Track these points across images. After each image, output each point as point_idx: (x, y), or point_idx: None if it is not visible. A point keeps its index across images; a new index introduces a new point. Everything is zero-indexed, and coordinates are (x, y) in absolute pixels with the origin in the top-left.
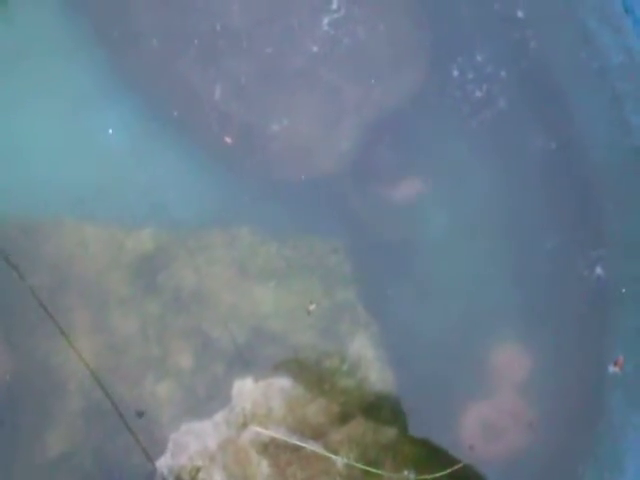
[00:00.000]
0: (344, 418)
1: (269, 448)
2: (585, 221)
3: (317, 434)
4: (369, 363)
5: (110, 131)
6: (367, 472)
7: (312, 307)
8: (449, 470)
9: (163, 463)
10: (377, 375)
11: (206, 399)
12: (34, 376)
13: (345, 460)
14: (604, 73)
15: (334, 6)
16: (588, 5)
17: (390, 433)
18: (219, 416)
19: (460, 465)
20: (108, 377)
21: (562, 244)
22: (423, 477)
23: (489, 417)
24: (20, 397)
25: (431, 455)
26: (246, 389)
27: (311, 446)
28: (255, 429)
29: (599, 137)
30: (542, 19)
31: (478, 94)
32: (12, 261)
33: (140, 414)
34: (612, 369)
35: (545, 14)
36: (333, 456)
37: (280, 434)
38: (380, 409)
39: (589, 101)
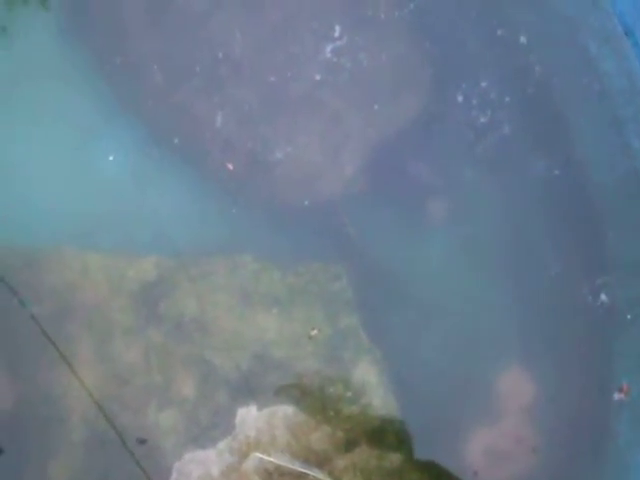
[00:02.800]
0: (348, 445)
1: (273, 476)
2: (589, 247)
3: (321, 461)
4: (373, 389)
5: (111, 158)
6: None
7: (314, 333)
8: None
9: None
10: (381, 401)
11: (209, 427)
12: (37, 404)
13: None
14: (605, 97)
15: (336, 34)
16: (589, 29)
17: (394, 459)
18: (223, 444)
19: None
20: (111, 406)
21: (566, 270)
22: None
23: (493, 442)
24: (23, 425)
25: None
26: (250, 417)
27: (315, 473)
28: (259, 456)
29: (601, 160)
30: (545, 44)
31: (482, 120)
32: (15, 289)
33: (142, 442)
34: (617, 396)
35: (548, 39)
36: None
37: (284, 461)
38: (384, 435)
39: (591, 125)
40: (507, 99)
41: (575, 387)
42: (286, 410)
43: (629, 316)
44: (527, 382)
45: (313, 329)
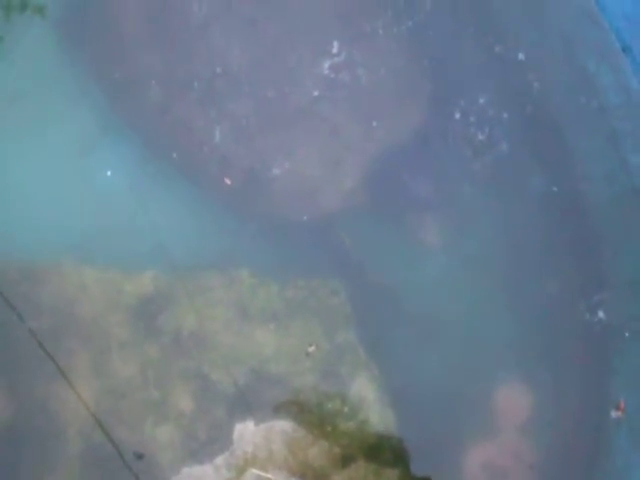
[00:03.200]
0: (346, 460)
1: None
2: (586, 264)
3: (319, 477)
4: (370, 405)
5: (109, 173)
6: None
7: (311, 349)
8: None
9: None
10: (378, 417)
11: (207, 442)
12: (34, 418)
13: None
14: (603, 113)
15: (335, 50)
16: (587, 46)
17: (391, 475)
18: (220, 459)
19: None
20: (108, 420)
21: (564, 287)
22: None
23: (491, 458)
24: (20, 439)
25: None
26: (247, 432)
27: None
28: (256, 472)
29: (599, 177)
30: (543, 61)
31: (480, 137)
32: (13, 303)
33: (139, 456)
34: (615, 414)
35: (546, 56)
36: None
37: (281, 477)
38: (381, 451)
39: (589, 141)
40: (505, 116)
41: (573, 404)
42: (283, 425)
43: (627, 333)
44: (525, 398)
45: (311, 345)
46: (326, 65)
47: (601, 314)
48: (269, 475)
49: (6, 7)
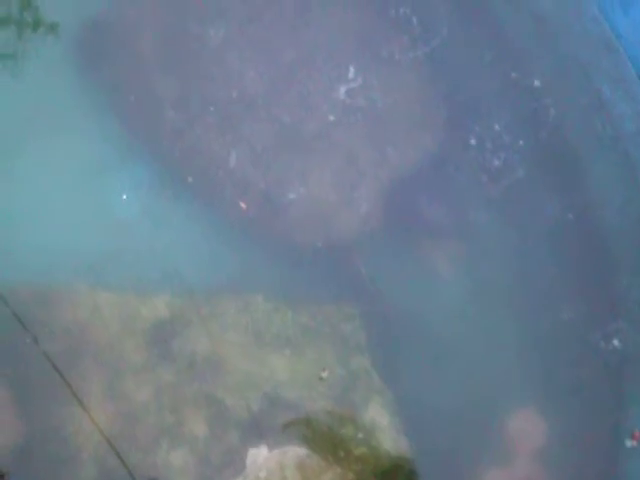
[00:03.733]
0: None
1: None
2: (602, 292)
3: None
4: (384, 430)
5: (124, 197)
6: None
7: (325, 374)
8: None
9: None
10: (392, 443)
11: (220, 467)
12: (48, 442)
13: None
14: (618, 140)
15: (351, 75)
16: (603, 73)
17: None
18: None
19: None
20: (122, 445)
21: (579, 315)
22: None
23: None
24: (33, 464)
25: None
26: (260, 457)
27: None
28: None
29: (614, 204)
30: (558, 88)
31: (496, 163)
32: (27, 327)
33: None
34: (630, 443)
35: (561, 83)
36: None
37: None
38: (395, 477)
39: (604, 168)
40: (521, 142)
41: (587, 432)
42: (297, 451)
43: None
44: (538, 426)
45: (324, 370)
46: (342, 90)
47: (616, 342)
48: None
49: (19, 24)
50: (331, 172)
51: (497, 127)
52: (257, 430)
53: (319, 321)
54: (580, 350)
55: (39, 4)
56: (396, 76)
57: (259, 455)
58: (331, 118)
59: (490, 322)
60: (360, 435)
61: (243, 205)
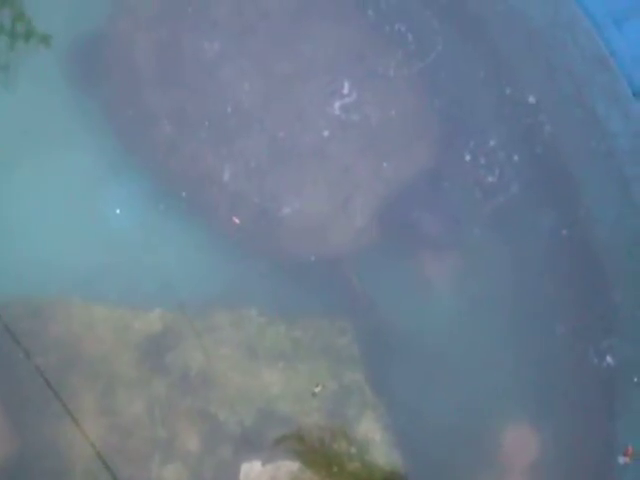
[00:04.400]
0: None
1: None
2: (595, 308)
3: None
4: (377, 446)
5: (118, 211)
6: None
7: (317, 389)
8: None
9: None
10: (385, 458)
11: None
12: (40, 457)
13: None
14: (612, 157)
15: (345, 90)
16: (597, 90)
17: None
18: None
19: None
20: (115, 459)
21: (572, 331)
22: None
23: None
24: (26, 478)
25: None
26: (254, 472)
27: None
28: None
29: (608, 220)
30: (553, 104)
31: (491, 179)
32: (19, 340)
33: None
34: (622, 460)
35: (555, 99)
36: None
37: None
38: None
39: (598, 184)
40: (516, 158)
41: (579, 448)
42: (290, 466)
43: (635, 379)
44: (531, 441)
45: (317, 385)
46: (337, 105)
47: (609, 359)
48: None
49: (10, 34)
50: (325, 186)
51: (492, 143)
52: (250, 445)
53: (312, 335)
54: (573, 366)
55: (32, 16)
56: (391, 91)
57: (252, 470)
58: (325, 133)
59: (484, 337)
60: (353, 450)
61: (236, 220)
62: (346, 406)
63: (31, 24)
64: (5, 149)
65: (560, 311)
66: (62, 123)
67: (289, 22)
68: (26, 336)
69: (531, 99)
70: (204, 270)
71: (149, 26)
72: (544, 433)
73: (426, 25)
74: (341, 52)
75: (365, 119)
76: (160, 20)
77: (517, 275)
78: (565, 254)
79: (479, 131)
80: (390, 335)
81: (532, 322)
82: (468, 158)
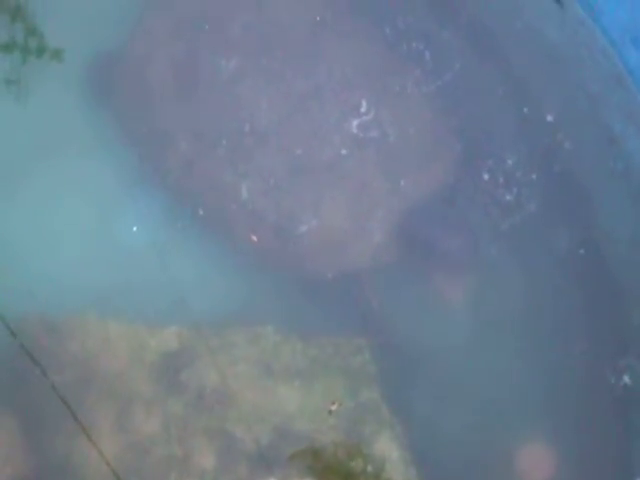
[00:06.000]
0: None
1: None
2: (613, 327)
3: None
4: (393, 464)
5: (134, 229)
6: None
7: (334, 407)
8: None
9: None
10: (402, 476)
11: None
12: (56, 475)
13: None
14: (629, 175)
15: (363, 109)
16: (614, 109)
17: None
18: None
19: None
20: (130, 477)
21: (589, 351)
22: None
23: None
24: None
25: None
26: None
27: None
28: None
29: (625, 240)
30: (570, 122)
31: (508, 197)
32: (35, 358)
33: None
34: None
35: (573, 118)
36: None
37: None
38: None
39: (614, 203)
40: (534, 176)
41: (596, 468)
42: None
43: None
44: (547, 460)
45: (333, 403)
46: (355, 123)
47: (626, 379)
48: None
49: (23, 49)
50: (343, 204)
51: (510, 161)
52: (266, 463)
53: (329, 353)
54: (590, 385)
55: (46, 32)
56: (408, 110)
57: None
58: (343, 151)
59: (501, 355)
60: (370, 468)
61: (254, 238)
62: (363, 424)
63: (44, 40)
64: (20, 166)
65: (577, 330)
66: (78, 140)
67: (306, 40)
68: (42, 354)
69: (549, 118)
70: (220, 287)
71: (166, 43)
72: (560, 452)
73: (443, 43)
74: (358, 70)
75: (383, 137)
76: (177, 37)
77: (533, 293)
78: (582, 273)
79: (497, 149)
80: (407, 353)
81: (549, 341)
82: (486, 176)
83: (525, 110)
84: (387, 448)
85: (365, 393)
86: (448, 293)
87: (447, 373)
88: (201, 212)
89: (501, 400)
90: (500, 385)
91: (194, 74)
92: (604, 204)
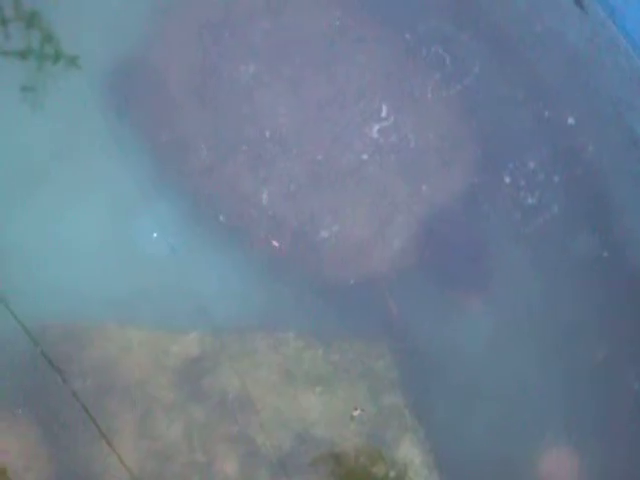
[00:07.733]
0: None
1: None
2: (635, 332)
3: None
4: (416, 469)
5: (155, 235)
6: None
7: (356, 413)
8: None
9: None
10: None
11: None
12: None
13: None
14: None
15: (383, 114)
16: (636, 110)
17: None
18: None
19: None
20: None
21: (612, 356)
22: None
23: None
24: None
25: None
26: None
27: None
28: None
29: None
30: (592, 125)
31: (530, 201)
32: (56, 365)
33: None
34: None
35: (595, 120)
36: None
37: None
38: None
39: (637, 206)
40: (556, 179)
41: (618, 474)
42: None
43: None
44: (570, 466)
45: (356, 409)
46: (375, 128)
47: None
48: None
49: (39, 56)
50: (363, 209)
51: (531, 165)
52: (288, 469)
53: (350, 358)
54: (613, 390)
55: (62, 38)
56: (429, 114)
57: None
58: (364, 156)
59: (522, 360)
60: (392, 474)
61: (275, 243)
62: (385, 429)
63: (60, 47)
64: (38, 173)
65: (599, 335)
66: (97, 146)
67: (326, 45)
68: (63, 361)
69: (570, 120)
70: (241, 293)
71: (185, 49)
72: (582, 457)
73: (463, 47)
74: (378, 75)
75: (403, 142)
76: (196, 44)
77: (556, 298)
78: (605, 276)
79: (519, 153)
80: (429, 358)
81: (571, 345)
82: (507, 180)
83: (546, 113)
84: (410, 453)
85: (387, 398)
86: (469, 298)
87: (468, 377)
88: (221, 218)
89: (522, 405)
90: (521, 390)
91: (214, 80)
92: (627, 207)
